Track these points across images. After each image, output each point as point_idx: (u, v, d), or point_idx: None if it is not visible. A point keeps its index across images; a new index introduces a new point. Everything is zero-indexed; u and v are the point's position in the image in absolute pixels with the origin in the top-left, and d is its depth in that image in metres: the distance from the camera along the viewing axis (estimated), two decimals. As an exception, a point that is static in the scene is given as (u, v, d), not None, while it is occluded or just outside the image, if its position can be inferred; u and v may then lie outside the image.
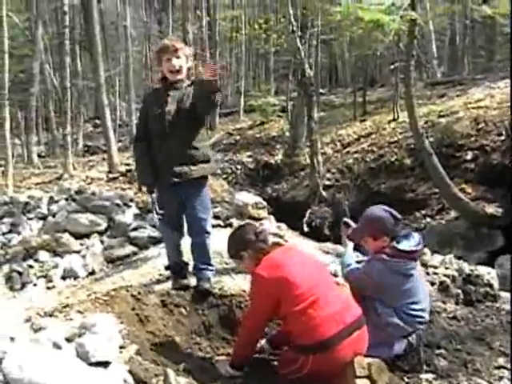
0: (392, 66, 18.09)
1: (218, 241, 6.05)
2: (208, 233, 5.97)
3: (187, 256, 6.24)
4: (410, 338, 4.81)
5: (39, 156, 25.30)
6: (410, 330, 4.80)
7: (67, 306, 5.45)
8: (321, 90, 28.32)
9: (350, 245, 5.40)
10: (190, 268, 6.17)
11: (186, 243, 6.18)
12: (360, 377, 4.07)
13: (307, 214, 14.69)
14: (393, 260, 4.77)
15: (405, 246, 4.85)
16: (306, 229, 13.60)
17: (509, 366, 4.54)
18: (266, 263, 4.46)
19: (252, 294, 4.64)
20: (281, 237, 8.55)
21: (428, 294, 5.27)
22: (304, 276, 4.33)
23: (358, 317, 4.37)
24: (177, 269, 6.17)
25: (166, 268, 6.52)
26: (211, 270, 6.01)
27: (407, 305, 4.79)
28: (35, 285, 8.58)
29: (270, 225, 9.25)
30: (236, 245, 4.81)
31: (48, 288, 8.48)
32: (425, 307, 4.90)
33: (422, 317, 4.87)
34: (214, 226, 9.45)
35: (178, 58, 5.68)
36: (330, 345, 4.15)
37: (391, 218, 4.93)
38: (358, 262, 5.15)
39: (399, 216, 4.97)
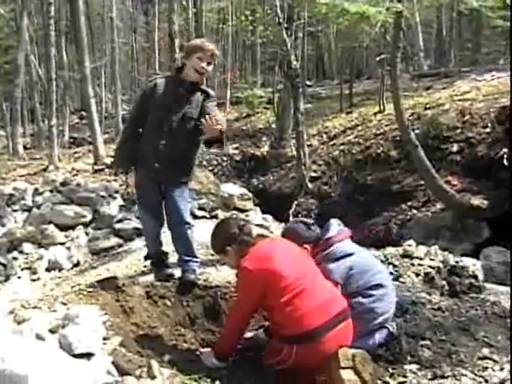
0: (378, 58, 18.07)
1: (204, 232, 6.02)
2: (188, 223, 5.85)
3: (169, 247, 6.23)
4: (389, 327, 4.81)
5: (25, 148, 25.15)
6: (379, 308, 4.82)
7: (51, 297, 5.43)
8: (307, 82, 28.38)
9: None
10: (174, 259, 6.14)
11: (167, 235, 6.14)
12: (344, 368, 4.07)
13: (293, 206, 14.70)
14: (328, 250, 4.93)
15: (330, 233, 5.03)
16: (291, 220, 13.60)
17: (493, 356, 4.55)
18: (252, 255, 4.44)
19: (238, 286, 4.62)
20: (267, 228, 8.56)
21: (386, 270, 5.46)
22: (290, 267, 4.31)
23: (344, 308, 4.37)
24: (157, 259, 6.15)
25: (146, 258, 6.47)
26: (196, 262, 5.95)
27: (366, 282, 4.85)
28: (19, 277, 8.55)
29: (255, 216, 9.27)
30: (220, 240, 4.75)
31: (32, 280, 8.46)
32: (383, 282, 4.95)
33: (383, 286, 4.93)
34: (199, 218, 9.51)
35: (209, 64, 5.63)
36: (314, 336, 4.14)
37: (303, 226, 5.12)
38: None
39: (310, 221, 5.22)
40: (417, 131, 13.73)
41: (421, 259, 6.58)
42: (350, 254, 4.97)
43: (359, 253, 5.07)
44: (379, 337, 4.75)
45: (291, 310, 4.19)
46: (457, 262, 6.37)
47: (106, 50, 32.43)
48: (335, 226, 5.13)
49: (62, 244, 9.36)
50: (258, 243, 4.56)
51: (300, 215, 14.25)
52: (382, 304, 4.83)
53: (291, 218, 13.74)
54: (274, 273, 4.25)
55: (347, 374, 4.05)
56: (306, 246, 4.95)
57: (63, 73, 25.26)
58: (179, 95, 5.63)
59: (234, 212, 10.04)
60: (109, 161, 16.85)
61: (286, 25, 15.95)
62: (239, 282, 4.55)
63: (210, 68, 5.66)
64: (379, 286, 4.89)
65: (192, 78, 5.63)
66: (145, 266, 6.66)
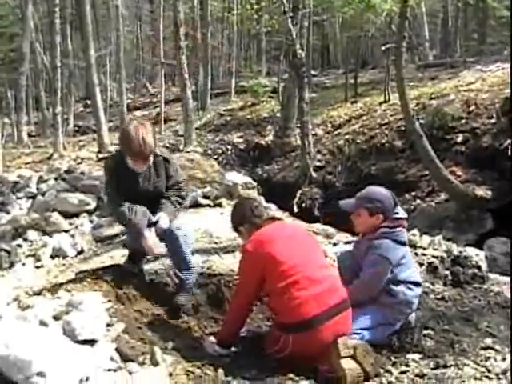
0: (383, 48, 18.03)
1: (208, 220, 6.02)
2: (181, 236, 5.39)
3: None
4: (409, 317, 4.85)
5: (29, 136, 25.20)
6: (416, 303, 4.87)
7: (55, 284, 5.44)
8: (312, 72, 28.29)
9: None
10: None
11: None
12: (344, 357, 4.08)
13: (297, 195, 14.70)
14: (395, 230, 4.83)
15: (401, 215, 4.94)
16: (296, 210, 13.61)
17: (496, 346, 4.55)
18: (255, 238, 4.47)
19: (239, 268, 4.65)
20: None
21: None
22: (291, 253, 4.32)
23: (343, 299, 4.36)
24: (135, 257, 5.83)
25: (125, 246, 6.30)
26: (191, 274, 5.48)
27: (410, 273, 4.85)
28: (24, 264, 8.58)
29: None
30: (234, 219, 4.85)
31: (37, 267, 8.48)
32: (420, 281, 4.97)
33: (420, 284, 4.96)
34: (203, 206, 9.52)
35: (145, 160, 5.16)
36: (310, 325, 4.15)
37: (392, 200, 4.96)
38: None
39: (397, 201, 5.01)
40: (422, 121, 13.72)
41: (424, 249, 6.59)
42: (405, 244, 4.97)
43: (407, 246, 5.08)
44: (397, 325, 4.78)
45: (288, 297, 4.19)
46: (460, 252, 6.36)
47: (110, 39, 32.29)
48: (402, 210, 5.07)
49: (66, 231, 9.38)
50: (265, 226, 4.57)
51: (304, 205, 14.27)
52: (416, 301, 4.88)
53: (295, 208, 13.75)
54: (271, 256, 4.26)
55: (348, 363, 4.06)
56: (381, 215, 4.87)
57: (68, 61, 25.25)
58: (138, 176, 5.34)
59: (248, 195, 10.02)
60: (113, 149, 16.86)
61: (291, 14, 15.91)
62: (240, 264, 4.58)
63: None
64: (418, 284, 4.93)
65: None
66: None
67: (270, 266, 4.26)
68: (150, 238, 5.12)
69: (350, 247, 5.52)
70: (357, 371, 4.05)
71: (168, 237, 5.30)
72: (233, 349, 4.64)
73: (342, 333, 4.24)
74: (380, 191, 5.06)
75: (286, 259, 4.25)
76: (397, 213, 4.94)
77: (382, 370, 4.24)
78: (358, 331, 4.54)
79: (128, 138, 4.98)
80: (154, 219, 5.14)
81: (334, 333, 4.17)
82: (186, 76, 17.73)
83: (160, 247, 5.21)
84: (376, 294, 4.78)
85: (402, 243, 4.88)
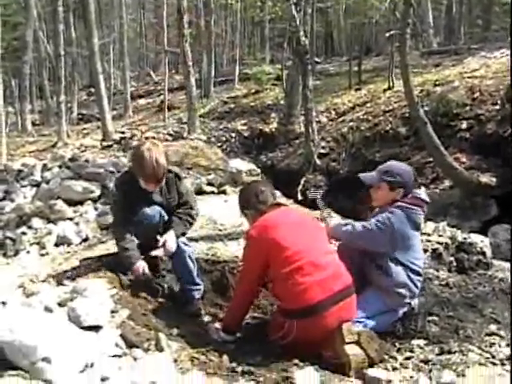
0: (388, 34, 17.97)
1: (212, 207, 6.03)
2: (188, 253, 5.34)
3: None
4: (412, 302, 4.84)
5: (33, 124, 25.24)
6: (416, 290, 4.86)
7: (60, 272, 5.45)
8: (316, 59, 28.23)
9: (335, 221, 5.36)
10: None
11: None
12: (349, 343, 4.09)
13: (301, 182, 14.69)
14: (412, 207, 4.81)
15: (422, 195, 4.91)
16: (300, 197, 13.59)
17: (500, 332, 4.55)
18: (259, 223, 4.47)
19: (243, 255, 4.67)
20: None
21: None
22: (295, 239, 4.31)
23: (348, 285, 4.36)
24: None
25: None
26: (198, 290, 5.45)
27: (413, 260, 4.82)
28: (28, 252, 8.57)
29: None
30: (240, 203, 4.87)
31: (41, 255, 8.48)
32: (419, 268, 4.95)
33: (421, 275, 4.93)
34: (207, 193, 9.53)
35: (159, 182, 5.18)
36: (314, 311, 4.16)
37: (412, 176, 4.98)
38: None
39: (417, 178, 5.01)
40: (426, 108, 13.70)
41: (429, 235, 6.58)
42: (417, 227, 4.95)
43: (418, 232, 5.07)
44: (401, 312, 4.78)
45: (292, 283, 4.19)
46: (465, 238, 6.36)
47: (114, 27, 32.31)
48: (425, 194, 5.04)
49: (71, 219, 9.37)
50: (270, 212, 4.56)
51: (308, 192, 14.26)
52: (415, 288, 4.87)
53: (299, 196, 13.74)
54: (275, 242, 4.26)
55: (352, 349, 4.07)
56: (401, 190, 4.87)
57: (71, 49, 25.27)
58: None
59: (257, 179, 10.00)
60: (117, 137, 16.89)
61: (294, 0, 15.85)
62: (244, 250, 4.60)
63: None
64: (418, 273, 4.90)
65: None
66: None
67: (273, 251, 4.26)
68: (140, 266, 5.07)
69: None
70: (361, 357, 4.06)
71: (175, 253, 5.25)
72: (237, 335, 4.65)
73: (347, 319, 4.25)
74: (401, 166, 5.10)
75: (290, 245, 4.25)
76: (419, 193, 4.94)
77: (386, 356, 4.25)
78: (361, 320, 4.56)
79: (141, 161, 4.98)
80: (161, 240, 5.08)
81: (338, 319, 4.18)
82: (190, 64, 17.73)
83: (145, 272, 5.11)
84: (360, 247, 4.86)
85: (415, 223, 4.86)
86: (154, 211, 5.24)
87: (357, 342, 4.11)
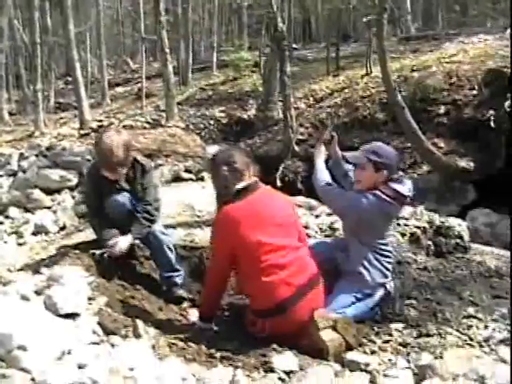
0: (365, 19, 17.96)
1: (190, 194, 6.01)
2: (165, 241, 5.33)
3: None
4: (387, 286, 4.85)
5: (10, 114, 25.01)
6: (387, 272, 4.86)
7: (37, 260, 5.42)
8: (294, 45, 28.21)
9: (322, 158, 5.32)
10: None
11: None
12: (324, 328, 4.09)
13: (280, 169, 14.68)
14: (387, 200, 4.74)
15: (400, 188, 4.82)
16: (278, 183, 13.60)
17: (478, 315, 4.58)
18: (226, 213, 4.32)
19: (211, 240, 4.65)
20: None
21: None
22: (262, 235, 4.19)
23: (313, 275, 4.35)
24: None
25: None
26: (179, 275, 5.42)
27: (380, 244, 4.84)
28: (6, 242, 8.54)
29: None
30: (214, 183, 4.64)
31: (19, 244, 8.45)
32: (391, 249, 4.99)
33: (390, 257, 4.95)
34: (185, 180, 9.51)
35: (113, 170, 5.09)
36: (282, 309, 4.14)
37: (398, 159, 4.95)
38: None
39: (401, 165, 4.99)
40: (404, 93, 13.72)
41: (407, 219, 6.58)
42: (390, 221, 4.98)
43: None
44: (378, 296, 4.78)
45: (260, 284, 4.18)
46: (442, 222, 6.36)
47: (90, 14, 32.12)
48: (409, 187, 4.92)
49: (48, 208, 9.34)
50: (239, 201, 4.34)
51: (287, 178, 14.27)
52: (387, 271, 4.89)
53: (278, 182, 13.74)
54: (242, 240, 4.18)
55: (327, 334, 4.07)
56: (385, 172, 4.79)
57: (48, 38, 25.02)
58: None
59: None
60: (95, 125, 16.80)
61: (272, -14, 15.80)
62: (211, 236, 4.58)
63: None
64: (388, 257, 4.93)
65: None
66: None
67: (240, 249, 4.21)
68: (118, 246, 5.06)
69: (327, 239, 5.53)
70: (338, 341, 4.07)
71: (152, 242, 5.25)
72: (214, 325, 4.63)
73: (317, 307, 4.27)
74: (387, 147, 5.03)
75: (255, 243, 4.17)
76: (402, 185, 4.85)
77: (365, 340, 4.27)
78: (340, 310, 4.54)
79: (98, 148, 4.98)
80: (113, 240, 5.06)
81: (308, 310, 4.19)
82: (167, 51, 17.62)
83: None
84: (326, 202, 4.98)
85: (387, 215, 4.86)
86: (124, 199, 5.20)
87: (333, 328, 4.11)
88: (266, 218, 4.31)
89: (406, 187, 4.86)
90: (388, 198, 4.73)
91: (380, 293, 4.80)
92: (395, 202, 4.78)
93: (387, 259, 4.87)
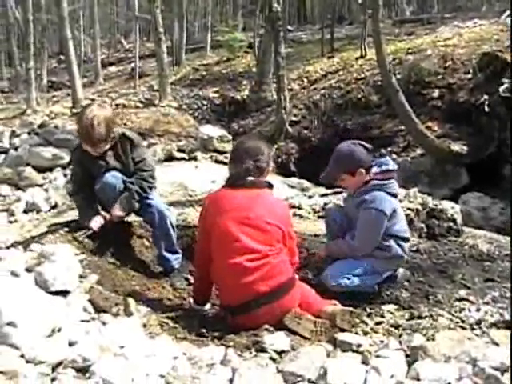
0: (360, 1, 17.89)
1: (182, 173, 5.99)
2: (169, 218, 5.34)
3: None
4: (397, 270, 4.96)
5: (2, 92, 24.97)
6: (405, 256, 4.93)
7: (28, 238, 5.40)
8: (289, 27, 28.12)
9: (331, 245, 5.19)
10: None
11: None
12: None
13: (273, 150, 14.65)
14: (387, 182, 4.78)
15: (391, 167, 4.86)
16: (272, 164, 13.58)
17: (470, 298, 4.58)
18: (212, 198, 4.40)
19: (198, 223, 4.61)
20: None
21: None
22: (237, 234, 4.13)
23: (282, 284, 4.17)
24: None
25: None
26: (177, 259, 5.42)
27: (400, 228, 4.89)
28: (-3, 220, 8.50)
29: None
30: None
31: (10, 222, 8.43)
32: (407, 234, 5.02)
33: (409, 239, 5.04)
34: (178, 159, 9.49)
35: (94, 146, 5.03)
36: (239, 312, 4.10)
37: (362, 149, 4.85)
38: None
39: (369, 146, 4.92)
40: (398, 76, 13.67)
41: (400, 201, 6.57)
42: (396, 196, 4.95)
43: (397, 199, 5.07)
44: (385, 276, 4.83)
45: (221, 284, 4.25)
46: (435, 205, 6.36)
47: (84, -8, 31.95)
48: (391, 162, 4.96)
49: (40, 186, 9.30)
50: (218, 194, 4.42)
51: (280, 159, 14.26)
52: (405, 256, 4.94)
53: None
54: (220, 230, 4.16)
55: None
56: (361, 169, 4.77)
57: (41, 15, 24.85)
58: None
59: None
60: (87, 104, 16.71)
61: (267, -33, 15.71)
62: (199, 218, 4.54)
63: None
64: (407, 239, 4.98)
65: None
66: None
67: (215, 239, 4.20)
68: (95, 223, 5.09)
69: (339, 201, 5.49)
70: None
71: (157, 217, 5.22)
72: (208, 305, 4.65)
73: (287, 310, 4.16)
74: (343, 148, 4.95)
75: (228, 240, 4.13)
76: (387, 164, 4.88)
77: (357, 321, 4.25)
78: (349, 276, 4.63)
79: (79, 122, 4.99)
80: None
81: (272, 317, 4.08)
82: (161, 30, 17.53)
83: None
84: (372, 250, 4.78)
85: (394, 195, 4.88)
86: (114, 180, 5.13)
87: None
88: (243, 215, 4.20)
89: (388, 163, 4.92)
90: (386, 181, 4.78)
91: (389, 273, 4.84)
92: (392, 180, 4.85)
93: (407, 243, 4.97)
